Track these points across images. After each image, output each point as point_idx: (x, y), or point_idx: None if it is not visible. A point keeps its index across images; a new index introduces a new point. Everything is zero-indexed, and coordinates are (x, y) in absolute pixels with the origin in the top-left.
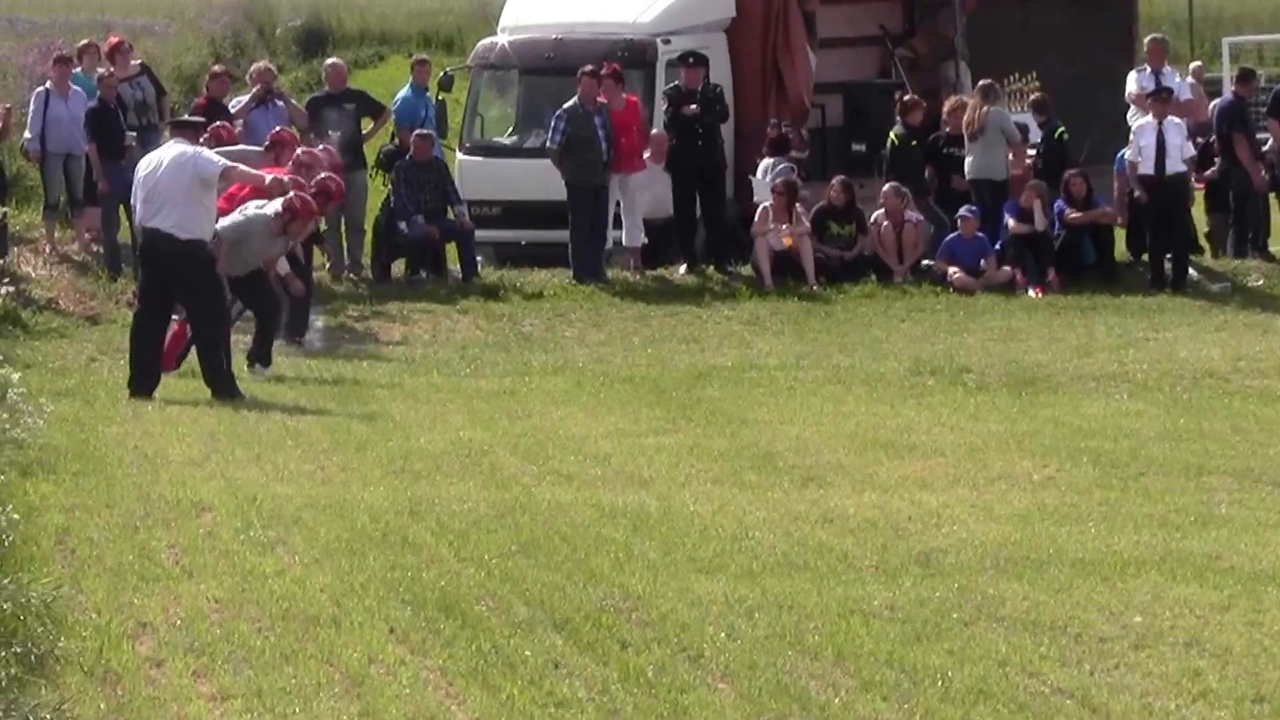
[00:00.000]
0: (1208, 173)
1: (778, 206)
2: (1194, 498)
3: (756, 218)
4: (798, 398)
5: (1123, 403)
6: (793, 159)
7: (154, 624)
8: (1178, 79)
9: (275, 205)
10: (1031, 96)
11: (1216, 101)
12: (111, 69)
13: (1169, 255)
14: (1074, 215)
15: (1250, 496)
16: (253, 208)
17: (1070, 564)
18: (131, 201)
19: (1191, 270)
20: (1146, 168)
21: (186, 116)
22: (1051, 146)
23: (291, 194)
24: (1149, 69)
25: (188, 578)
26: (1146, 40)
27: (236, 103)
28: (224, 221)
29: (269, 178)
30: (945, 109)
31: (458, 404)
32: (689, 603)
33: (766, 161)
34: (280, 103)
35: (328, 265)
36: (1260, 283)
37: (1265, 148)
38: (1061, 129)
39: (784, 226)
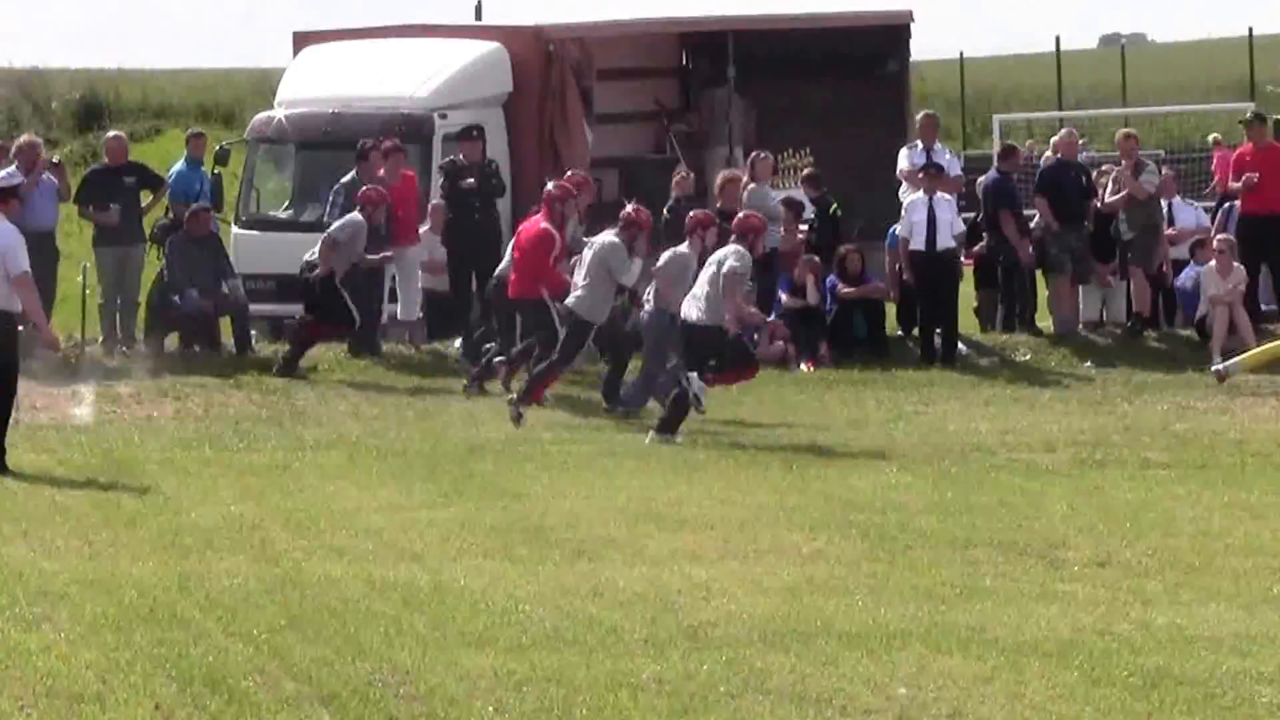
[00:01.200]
0: (976, 248)
1: None
2: (960, 570)
3: None
4: (570, 471)
5: (892, 476)
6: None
7: None
8: (948, 155)
9: None
10: (804, 172)
11: (982, 179)
12: None
13: (939, 330)
14: (846, 290)
15: (1015, 569)
16: None
17: (837, 636)
18: None
19: (961, 345)
20: (917, 243)
21: None
22: (825, 221)
23: None
24: (920, 145)
25: None
26: (918, 117)
27: (4, 174)
28: None
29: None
30: (717, 184)
31: (230, 478)
32: (457, 677)
33: None
34: (49, 175)
35: (101, 339)
36: (1028, 357)
37: (1032, 224)
38: (835, 204)
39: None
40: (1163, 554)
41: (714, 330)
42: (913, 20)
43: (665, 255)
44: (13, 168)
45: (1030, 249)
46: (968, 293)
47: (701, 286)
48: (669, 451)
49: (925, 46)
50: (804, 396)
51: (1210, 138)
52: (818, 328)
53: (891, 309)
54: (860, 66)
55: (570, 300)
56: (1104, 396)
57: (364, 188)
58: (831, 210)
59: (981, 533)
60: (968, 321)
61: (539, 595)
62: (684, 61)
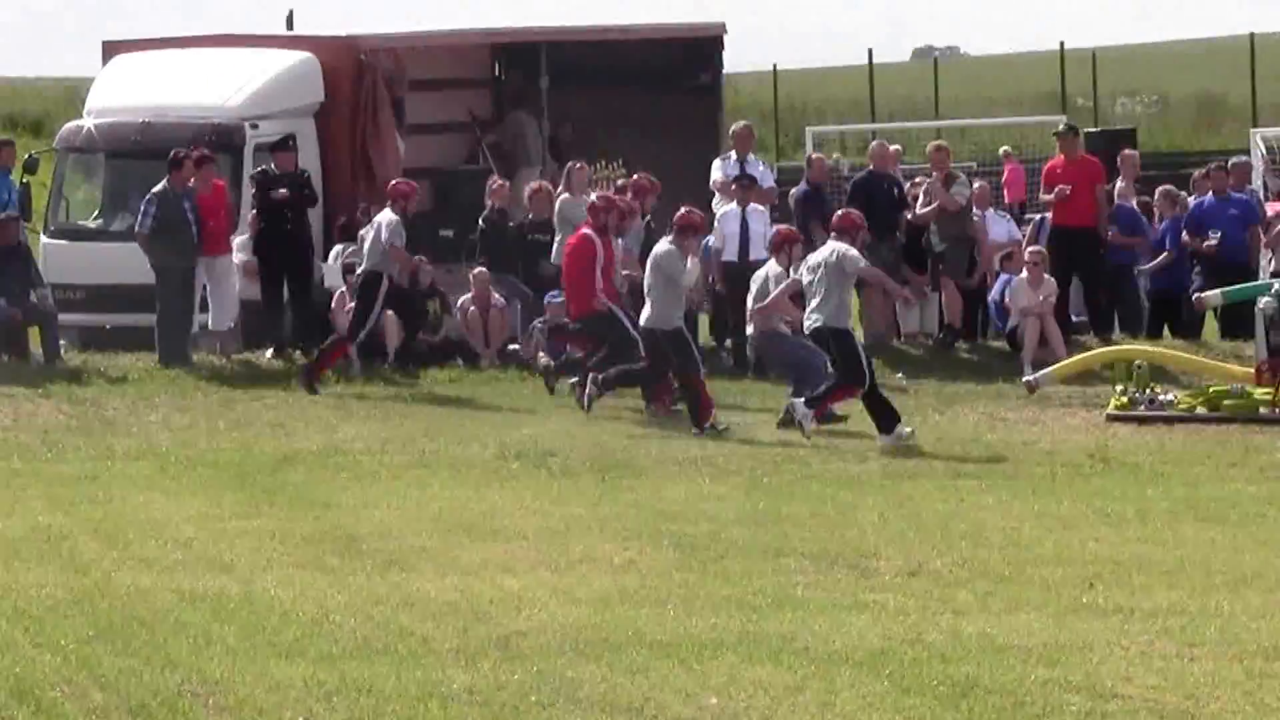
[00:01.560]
0: None
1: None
2: (772, 580)
3: (334, 302)
4: (382, 482)
5: (704, 486)
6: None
7: None
8: (761, 167)
9: None
10: (619, 183)
11: (794, 190)
12: None
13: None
14: None
15: (826, 578)
16: None
17: (649, 646)
18: None
19: None
20: (730, 254)
21: None
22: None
23: None
24: (733, 156)
25: None
26: (733, 128)
27: None
28: None
29: None
30: (526, 194)
31: (38, 489)
32: (267, 687)
33: (338, 247)
34: None
35: None
36: None
37: None
38: (649, 216)
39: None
40: (973, 564)
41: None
42: (725, 32)
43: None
44: None
45: None
46: None
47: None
48: (481, 463)
49: (738, 58)
50: (618, 406)
51: (1001, 150)
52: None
53: (705, 319)
54: (673, 78)
55: (644, 321)
56: (916, 407)
57: (395, 181)
58: (645, 221)
59: (793, 542)
60: None
61: (350, 605)
62: (497, 72)
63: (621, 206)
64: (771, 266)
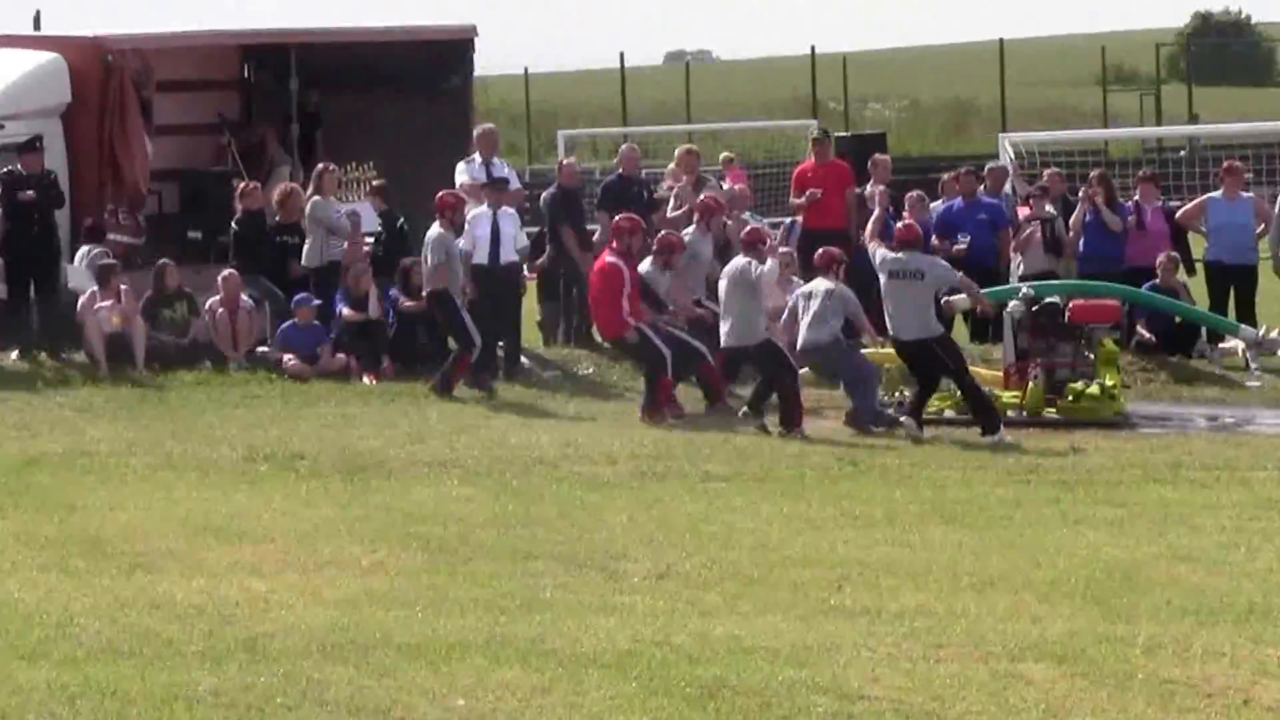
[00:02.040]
0: (539, 261)
1: (106, 291)
2: (520, 582)
3: (81, 303)
4: (129, 484)
5: (453, 488)
6: (120, 243)
7: None
8: (506, 169)
9: None
10: (371, 185)
11: (545, 193)
12: None
13: (502, 343)
14: (409, 303)
15: (575, 581)
16: None
17: (396, 648)
18: None
19: (524, 359)
20: (481, 257)
21: None
22: (391, 235)
23: None
24: (478, 159)
25: None
26: (476, 131)
27: None
28: None
29: None
30: (275, 197)
31: None
32: (10, 690)
33: (84, 249)
34: None
35: None
36: (590, 371)
37: (595, 238)
38: (402, 218)
39: (114, 307)
40: (722, 565)
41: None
42: (476, 35)
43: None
44: None
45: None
46: (532, 307)
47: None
48: (229, 465)
49: (490, 61)
50: (366, 409)
51: (721, 156)
52: (380, 341)
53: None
54: (424, 81)
55: (727, 339)
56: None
57: (441, 192)
58: (398, 224)
59: (542, 545)
60: (531, 334)
61: (95, 608)
62: (246, 74)
63: (673, 240)
64: (818, 284)
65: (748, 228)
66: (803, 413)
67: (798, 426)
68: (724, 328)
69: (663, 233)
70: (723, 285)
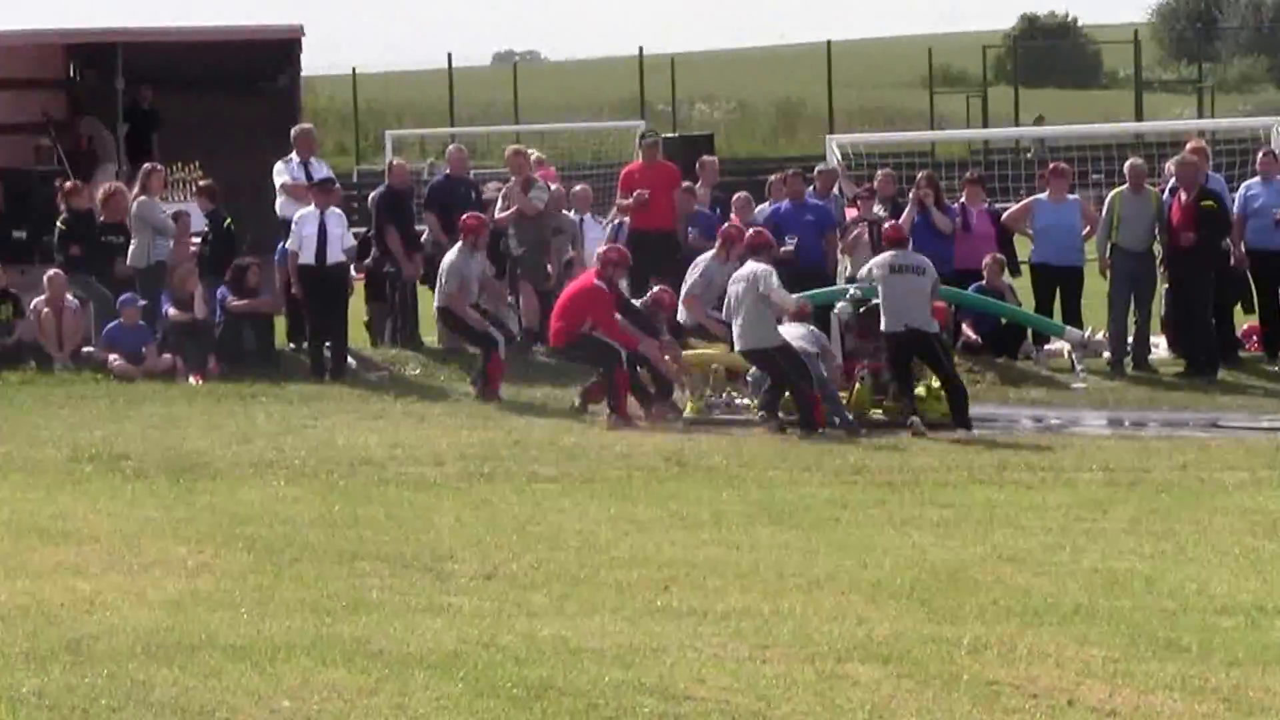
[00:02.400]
0: (365, 262)
1: None
2: (347, 583)
3: None
4: None
5: (280, 489)
6: None
7: None
8: (324, 169)
9: None
10: (199, 185)
11: (373, 193)
12: None
13: (328, 344)
14: (236, 303)
15: (401, 581)
16: None
17: (222, 649)
18: None
19: (350, 359)
20: (307, 257)
21: None
22: (219, 235)
23: None
24: (296, 159)
25: None
26: (294, 131)
27: None
28: None
29: None
30: (99, 196)
31: None
32: None
33: None
34: None
35: None
36: (417, 372)
37: (423, 238)
38: (229, 218)
39: None
40: (549, 566)
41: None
42: (303, 35)
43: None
44: None
45: (420, 264)
46: (359, 307)
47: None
48: (54, 465)
49: (318, 62)
50: (192, 410)
51: (534, 158)
52: (206, 341)
53: (282, 322)
54: (252, 81)
55: (742, 343)
56: (493, 411)
57: (466, 215)
58: (225, 224)
59: (369, 546)
60: (358, 335)
61: None
62: (72, 73)
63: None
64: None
65: (752, 230)
66: (821, 411)
67: (820, 426)
68: (735, 330)
69: (754, 230)
70: (734, 290)
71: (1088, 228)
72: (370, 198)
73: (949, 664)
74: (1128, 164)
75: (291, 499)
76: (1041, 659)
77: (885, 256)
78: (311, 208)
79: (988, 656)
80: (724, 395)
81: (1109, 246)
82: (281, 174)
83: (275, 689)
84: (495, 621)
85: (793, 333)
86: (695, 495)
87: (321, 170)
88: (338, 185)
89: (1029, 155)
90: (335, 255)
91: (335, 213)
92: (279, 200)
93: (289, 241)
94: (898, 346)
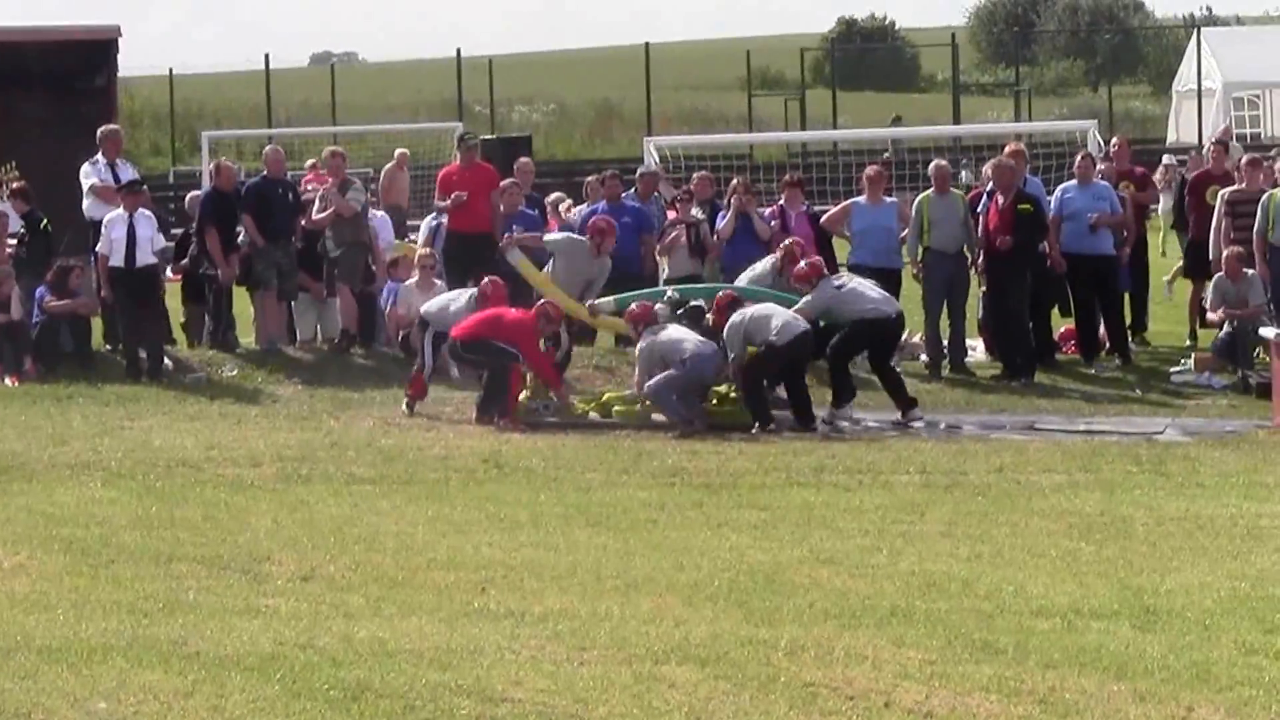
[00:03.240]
0: (182, 263)
1: None
2: (163, 584)
3: None
4: None
5: (96, 490)
6: None
7: None
8: (130, 171)
9: None
10: (13, 186)
11: (192, 195)
12: None
13: (144, 346)
14: (54, 304)
15: (218, 583)
16: None
17: (37, 651)
18: None
19: (168, 360)
20: (117, 260)
21: None
22: (36, 236)
23: None
24: (102, 161)
25: None
26: (100, 132)
27: None
28: None
29: None
30: None
31: None
32: None
33: None
34: None
35: None
36: (234, 373)
37: (240, 239)
38: (45, 219)
39: None
40: (366, 568)
41: None
42: (120, 36)
43: None
44: None
45: (236, 265)
46: (176, 308)
47: None
48: None
49: (136, 63)
50: (8, 411)
51: (308, 163)
52: (23, 342)
53: (99, 324)
54: (69, 81)
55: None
56: (311, 412)
57: (595, 218)
58: (42, 225)
59: (185, 547)
60: (178, 336)
61: None
62: None
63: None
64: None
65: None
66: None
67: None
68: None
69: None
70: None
71: (905, 229)
72: (190, 198)
73: (766, 666)
74: (932, 166)
75: (108, 500)
76: (859, 661)
77: (829, 282)
78: (120, 210)
79: (805, 658)
80: (543, 398)
81: (920, 250)
82: (89, 176)
83: (91, 691)
84: (312, 623)
85: (678, 335)
86: (513, 497)
87: (128, 172)
88: (145, 187)
89: (886, 156)
90: (145, 257)
91: (144, 215)
92: (86, 202)
93: (99, 245)
94: (870, 338)
